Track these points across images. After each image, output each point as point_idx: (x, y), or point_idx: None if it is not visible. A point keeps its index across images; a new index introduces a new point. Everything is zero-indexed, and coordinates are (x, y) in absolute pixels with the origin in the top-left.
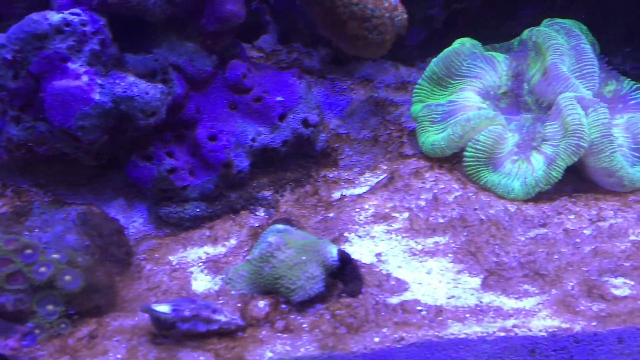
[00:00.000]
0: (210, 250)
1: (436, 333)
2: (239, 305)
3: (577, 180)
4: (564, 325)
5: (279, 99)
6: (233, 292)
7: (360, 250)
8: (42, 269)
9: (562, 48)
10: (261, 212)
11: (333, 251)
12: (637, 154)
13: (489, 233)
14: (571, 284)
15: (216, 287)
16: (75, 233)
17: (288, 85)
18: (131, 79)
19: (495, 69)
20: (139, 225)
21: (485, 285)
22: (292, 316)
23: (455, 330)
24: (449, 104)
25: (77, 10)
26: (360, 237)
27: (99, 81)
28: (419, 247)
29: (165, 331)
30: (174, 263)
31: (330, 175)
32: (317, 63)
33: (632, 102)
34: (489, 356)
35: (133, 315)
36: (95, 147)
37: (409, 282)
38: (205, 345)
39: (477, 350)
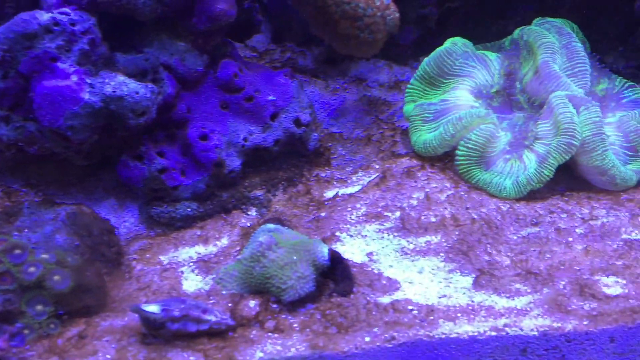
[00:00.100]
0: (201, 250)
1: (427, 332)
2: (230, 305)
3: (570, 178)
4: (555, 325)
5: (270, 98)
6: (224, 292)
7: (351, 249)
8: (31, 269)
9: (554, 46)
10: (253, 212)
11: (324, 251)
12: (629, 153)
13: (480, 232)
14: (563, 282)
15: (207, 287)
16: (65, 233)
17: (280, 84)
18: (121, 78)
19: (487, 67)
20: (130, 225)
21: (477, 285)
22: (283, 316)
23: (447, 329)
24: (441, 102)
25: (66, 9)
26: (351, 236)
27: (89, 80)
28: (411, 246)
29: (154, 331)
30: (165, 263)
31: (323, 175)
32: (311, 62)
33: (624, 100)
34: (480, 356)
35: (123, 315)
36: (85, 147)
37: (400, 281)
38: (195, 345)
39: (469, 349)
